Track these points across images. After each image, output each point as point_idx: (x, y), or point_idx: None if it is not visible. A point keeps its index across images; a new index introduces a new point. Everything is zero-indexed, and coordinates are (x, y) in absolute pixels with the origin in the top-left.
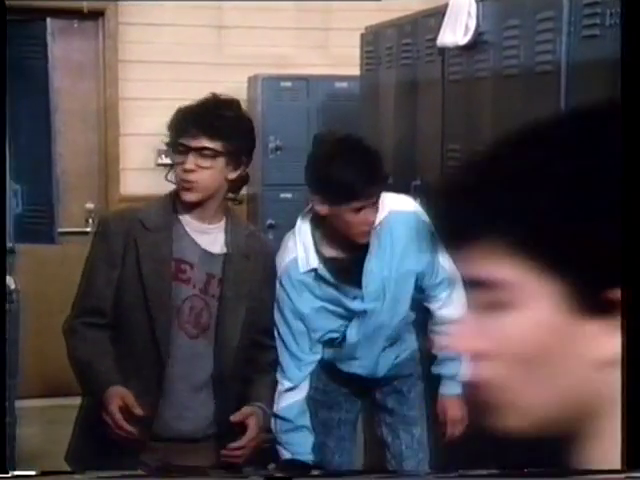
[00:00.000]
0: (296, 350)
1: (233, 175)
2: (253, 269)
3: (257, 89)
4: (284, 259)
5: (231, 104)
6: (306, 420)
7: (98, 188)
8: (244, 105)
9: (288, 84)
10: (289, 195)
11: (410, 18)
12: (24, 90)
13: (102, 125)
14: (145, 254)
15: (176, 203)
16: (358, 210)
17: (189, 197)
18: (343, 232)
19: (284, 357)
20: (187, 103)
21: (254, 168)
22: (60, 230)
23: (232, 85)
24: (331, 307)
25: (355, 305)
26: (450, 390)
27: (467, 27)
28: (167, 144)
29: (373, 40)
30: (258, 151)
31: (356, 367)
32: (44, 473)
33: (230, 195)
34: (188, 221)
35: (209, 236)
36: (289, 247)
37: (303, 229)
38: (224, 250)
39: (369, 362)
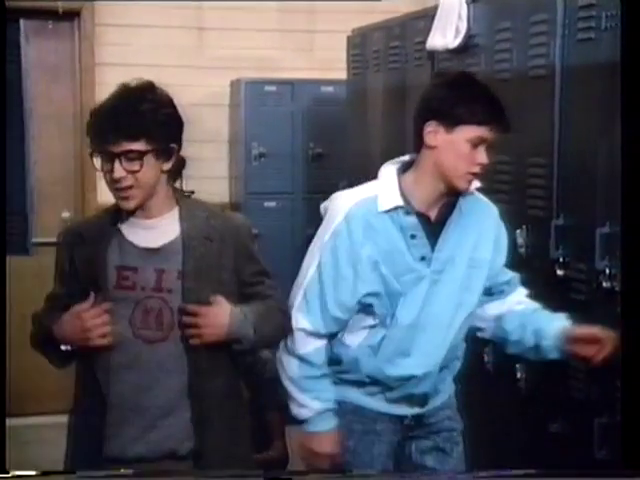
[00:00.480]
0: (331, 298)
1: (167, 166)
2: (219, 250)
3: (240, 93)
4: (352, 199)
5: (145, 92)
6: (329, 370)
7: (74, 196)
8: (226, 111)
9: (272, 88)
10: (273, 204)
11: (399, 20)
12: None
13: (78, 130)
14: (81, 267)
15: (119, 209)
16: (475, 144)
17: (128, 205)
18: (447, 172)
19: (314, 301)
20: (99, 103)
21: (237, 175)
22: (34, 241)
23: (214, 89)
24: (387, 267)
25: (419, 267)
26: None
27: (457, 30)
28: (90, 152)
29: (360, 43)
30: (241, 158)
31: (410, 366)
32: (44, 473)
33: (172, 183)
34: (132, 222)
35: (154, 231)
36: (362, 189)
37: (386, 172)
38: (176, 240)
39: (427, 360)
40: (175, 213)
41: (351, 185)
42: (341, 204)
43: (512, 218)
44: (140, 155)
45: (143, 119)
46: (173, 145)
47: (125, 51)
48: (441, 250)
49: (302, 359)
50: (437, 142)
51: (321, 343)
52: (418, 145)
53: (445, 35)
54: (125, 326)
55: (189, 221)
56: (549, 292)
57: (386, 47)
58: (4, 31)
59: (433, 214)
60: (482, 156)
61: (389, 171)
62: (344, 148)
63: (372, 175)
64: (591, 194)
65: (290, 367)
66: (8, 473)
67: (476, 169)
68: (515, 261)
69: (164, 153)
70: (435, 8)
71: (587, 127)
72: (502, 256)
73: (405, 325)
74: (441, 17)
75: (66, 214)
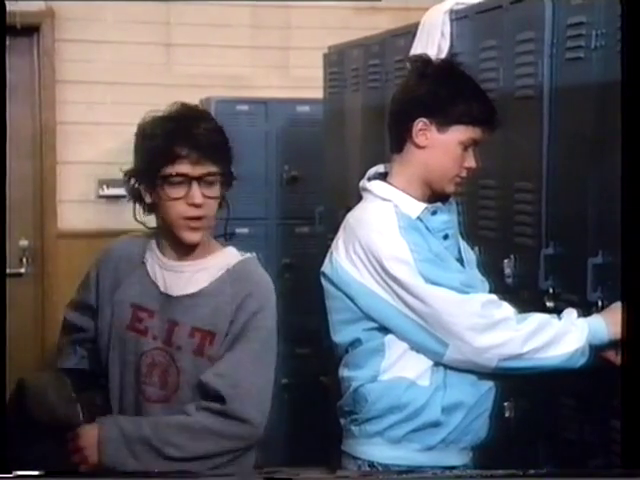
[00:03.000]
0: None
1: (223, 194)
2: (232, 296)
3: (210, 113)
4: (387, 211)
5: (205, 113)
6: None
7: (33, 223)
8: None
9: (244, 107)
10: (245, 230)
11: (378, 38)
12: None
13: (37, 152)
14: (102, 290)
15: (159, 240)
16: (466, 146)
17: (194, 238)
18: (435, 174)
19: (421, 338)
20: (154, 117)
21: None
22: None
23: None
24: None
25: (462, 272)
26: None
27: (440, 48)
28: (134, 174)
29: (337, 61)
30: None
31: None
32: (47, 473)
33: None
34: (158, 258)
35: (181, 275)
36: (376, 205)
37: (378, 185)
38: (201, 291)
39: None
40: (209, 260)
41: (328, 211)
42: (378, 220)
43: (499, 246)
44: (215, 179)
45: (220, 138)
46: (233, 170)
47: (88, 68)
48: (469, 262)
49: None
50: (427, 142)
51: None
52: (399, 145)
53: (426, 53)
54: (130, 376)
55: (216, 269)
56: None
57: (365, 65)
58: (4, 31)
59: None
60: (472, 160)
61: (379, 183)
62: (321, 171)
63: (350, 199)
64: (582, 221)
65: None
66: (9, 473)
67: (464, 173)
68: (502, 292)
69: (228, 180)
70: (416, 25)
71: (577, 150)
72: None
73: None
74: (422, 35)
75: (24, 242)
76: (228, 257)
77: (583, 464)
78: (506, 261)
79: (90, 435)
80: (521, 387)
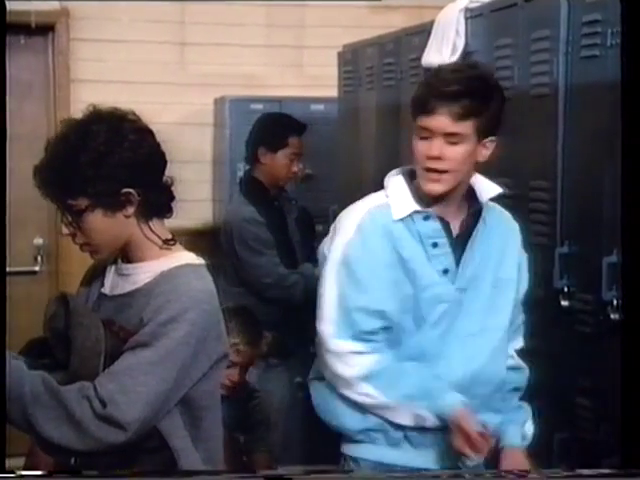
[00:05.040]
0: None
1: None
2: (153, 299)
3: (224, 112)
4: (362, 209)
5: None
6: None
7: (48, 221)
8: (209, 131)
9: (259, 106)
10: None
11: (393, 36)
12: None
13: None
14: None
15: None
16: (425, 136)
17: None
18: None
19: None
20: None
21: (221, 198)
22: (6, 270)
23: (196, 107)
24: (408, 281)
25: (442, 281)
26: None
27: (455, 46)
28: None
29: (352, 59)
30: (225, 180)
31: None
32: (49, 473)
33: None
34: (118, 262)
35: (127, 277)
36: (371, 199)
37: (394, 180)
38: (131, 290)
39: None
40: (157, 262)
41: (342, 209)
42: (351, 216)
43: None
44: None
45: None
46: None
47: (102, 67)
48: (467, 265)
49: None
50: (415, 146)
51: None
52: None
53: (441, 51)
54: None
55: (154, 275)
56: (553, 324)
57: (380, 64)
58: (4, 31)
59: (456, 224)
60: (431, 148)
61: (397, 178)
62: (335, 169)
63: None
64: (597, 220)
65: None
66: (10, 473)
67: (430, 164)
68: None
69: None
70: (431, 23)
71: (593, 148)
72: (524, 283)
73: (421, 354)
74: (437, 33)
75: (39, 240)
76: (170, 261)
77: (597, 464)
78: None
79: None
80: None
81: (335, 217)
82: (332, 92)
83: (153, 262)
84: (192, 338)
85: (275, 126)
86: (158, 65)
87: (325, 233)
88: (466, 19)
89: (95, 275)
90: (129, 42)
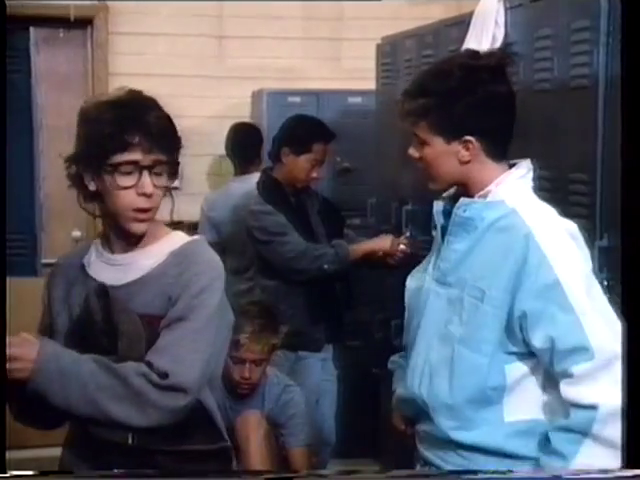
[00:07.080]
0: None
1: (170, 184)
2: (176, 277)
3: (262, 104)
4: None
5: (153, 99)
6: None
7: (86, 213)
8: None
9: (296, 99)
10: None
11: (431, 27)
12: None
13: None
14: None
15: (106, 236)
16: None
17: (141, 228)
18: None
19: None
20: (99, 101)
21: None
22: (44, 261)
23: (234, 100)
24: None
25: (427, 266)
26: None
27: (494, 37)
28: (77, 160)
29: (390, 51)
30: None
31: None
32: (43, 473)
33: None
34: (103, 254)
35: (127, 266)
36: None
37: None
38: (138, 277)
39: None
40: (156, 246)
41: (380, 202)
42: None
43: None
44: (164, 169)
45: (171, 125)
46: (179, 160)
47: (140, 60)
48: (449, 260)
49: None
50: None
51: None
52: None
53: (481, 42)
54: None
55: (159, 254)
56: None
57: (418, 56)
58: (4, 31)
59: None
60: (413, 150)
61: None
62: (373, 162)
63: (402, 191)
64: (638, 214)
65: None
66: (6, 473)
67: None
68: None
69: (174, 169)
70: (470, 14)
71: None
72: (545, 295)
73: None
74: (476, 24)
75: (77, 233)
76: (173, 241)
77: None
78: None
79: (31, 350)
80: None
81: (373, 210)
82: (370, 85)
83: (155, 245)
84: (222, 303)
85: (303, 130)
86: (196, 58)
87: (362, 226)
88: (506, 9)
89: (76, 278)
90: (167, 35)
